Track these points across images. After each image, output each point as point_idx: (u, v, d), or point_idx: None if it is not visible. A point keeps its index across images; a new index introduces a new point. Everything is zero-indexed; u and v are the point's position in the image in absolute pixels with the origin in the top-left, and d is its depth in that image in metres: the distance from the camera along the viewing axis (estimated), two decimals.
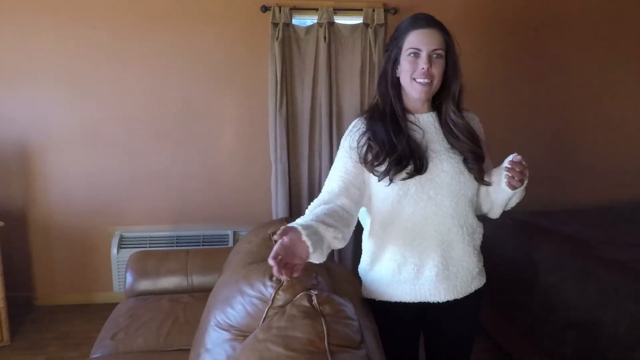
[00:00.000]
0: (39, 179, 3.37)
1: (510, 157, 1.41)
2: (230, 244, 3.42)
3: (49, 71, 3.25)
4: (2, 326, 2.93)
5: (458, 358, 1.76)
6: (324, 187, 1.55)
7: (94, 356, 2.10)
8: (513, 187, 1.44)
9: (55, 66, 3.24)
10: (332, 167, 1.59)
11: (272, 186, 3.40)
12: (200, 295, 2.45)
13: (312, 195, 3.33)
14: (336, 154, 1.61)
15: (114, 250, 3.35)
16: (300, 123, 3.37)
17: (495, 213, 1.65)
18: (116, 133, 3.36)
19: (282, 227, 1.19)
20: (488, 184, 1.54)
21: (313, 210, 1.40)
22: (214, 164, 3.47)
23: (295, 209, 3.43)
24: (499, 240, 2.80)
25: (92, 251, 3.49)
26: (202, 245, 3.41)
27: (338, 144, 1.65)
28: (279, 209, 3.38)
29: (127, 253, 3.32)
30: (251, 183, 3.52)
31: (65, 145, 3.34)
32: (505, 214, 1.67)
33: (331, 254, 1.39)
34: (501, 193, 1.51)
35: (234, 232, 3.48)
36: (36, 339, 3.05)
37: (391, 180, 1.47)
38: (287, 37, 3.24)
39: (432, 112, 1.58)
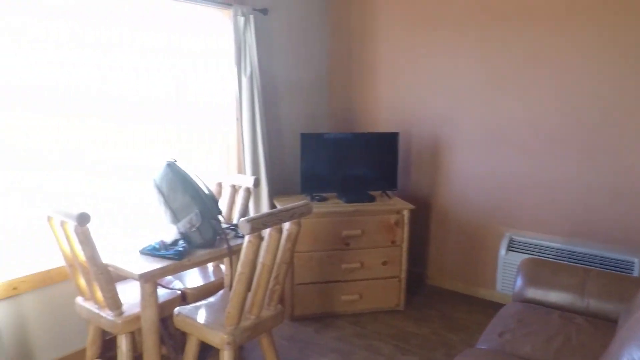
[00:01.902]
0: (444, 172, 3.72)
1: None
2: (636, 273, 2.96)
3: (465, 76, 3.52)
4: (401, 293, 3.41)
5: None
6: None
7: (480, 346, 2.19)
8: None
9: (475, 71, 3.49)
10: None
11: None
12: (598, 323, 2.22)
13: None
14: None
15: (502, 251, 3.40)
16: None
17: None
18: (521, 136, 3.36)
19: None
20: None
21: None
22: (626, 178, 3.05)
23: None
24: None
25: (480, 247, 3.64)
26: (599, 267, 3.08)
27: None
28: None
29: (514, 256, 3.32)
30: None
31: (470, 144, 3.57)
32: None
33: None
34: None
35: None
36: (424, 313, 3.42)
37: None
38: None
39: None
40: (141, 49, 2.92)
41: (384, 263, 3.34)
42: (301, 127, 3.96)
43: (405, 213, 3.31)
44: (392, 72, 3.89)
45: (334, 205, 3.32)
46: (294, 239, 2.24)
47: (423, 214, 3.88)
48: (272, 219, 2.06)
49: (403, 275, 3.38)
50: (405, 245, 3.35)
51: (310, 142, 3.40)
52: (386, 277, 3.37)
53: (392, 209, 3.30)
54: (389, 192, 3.63)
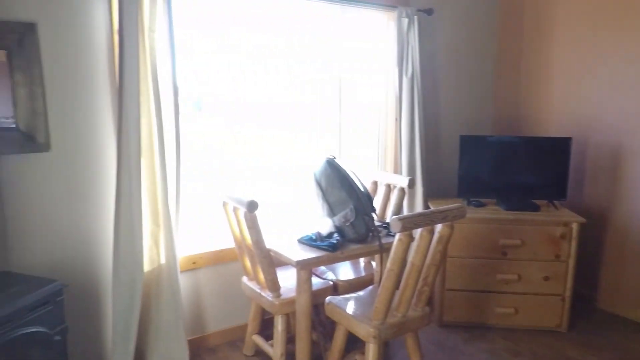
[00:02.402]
0: (627, 186, 3.30)
1: None
2: None
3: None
4: (564, 314, 3.12)
5: None
6: None
7: None
8: None
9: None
10: None
11: None
12: None
13: None
14: None
15: None
16: None
17: None
18: None
19: None
20: None
21: None
22: None
23: None
24: None
25: None
26: None
27: None
28: None
29: None
30: None
31: None
32: None
33: None
34: None
35: None
36: (590, 339, 3.08)
37: None
38: None
39: None
40: (308, 56, 3.13)
41: (546, 278, 3.09)
42: (461, 130, 3.85)
43: (574, 226, 3.02)
44: (568, 74, 3.57)
45: (493, 211, 3.17)
46: (445, 242, 2.21)
47: (596, 229, 3.49)
48: (424, 220, 2.06)
49: (568, 294, 3.09)
50: (572, 262, 3.06)
51: (470, 144, 3.29)
52: (547, 293, 3.11)
53: (559, 220, 3.03)
54: (556, 202, 3.34)
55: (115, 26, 2.34)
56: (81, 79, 2.30)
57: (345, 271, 2.91)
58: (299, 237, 2.55)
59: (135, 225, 2.36)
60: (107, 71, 2.37)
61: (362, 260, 3.06)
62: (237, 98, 2.93)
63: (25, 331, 1.92)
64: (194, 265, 2.78)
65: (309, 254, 2.39)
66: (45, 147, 2.24)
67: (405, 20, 3.25)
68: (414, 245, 2.12)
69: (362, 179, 2.74)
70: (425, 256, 2.15)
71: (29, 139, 2.19)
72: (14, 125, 2.16)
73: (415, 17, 3.27)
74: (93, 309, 2.49)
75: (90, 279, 2.45)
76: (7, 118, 2.14)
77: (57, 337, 2.07)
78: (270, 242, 2.49)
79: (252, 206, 2.29)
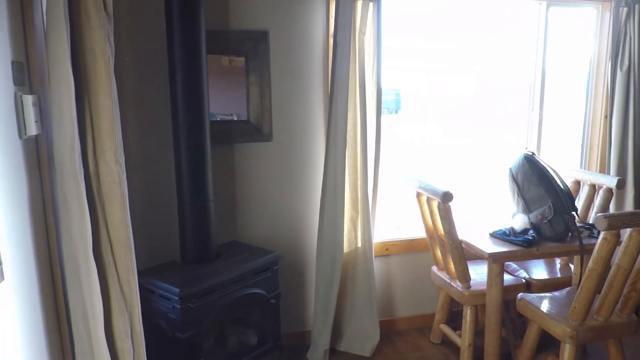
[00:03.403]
0: None
1: None
2: None
3: None
4: None
5: None
6: None
7: None
8: None
9: None
10: None
11: None
12: None
13: None
14: None
15: None
16: None
17: None
18: None
19: None
20: None
21: None
22: None
23: None
24: None
25: None
26: None
27: None
28: None
29: None
30: None
31: None
32: None
33: None
34: None
35: None
36: None
37: None
38: None
39: None
40: (508, 53, 3.10)
41: None
42: None
43: None
44: None
45: None
46: None
47: None
48: (635, 220, 1.92)
49: None
50: None
51: None
52: None
53: None
54: None
55: (330, 30, 2.65)
56: (298, 78, 2.66)
57: (539, 271, 2.81)
58: (491, 231, 2.56)
59: (338, 210, 2.63)
60: (321, 71, 2.69)
61: (558, 262, 2.91)
62: (433, 95, 3.05)
63: (250, 291, 2.31)
64: (387, 251, 2.97)
65: (502, 247, 2.39)
66: (269, 137, 2.65)
67: (624, 10, 2.99)
68: (621, 246, 1.98)
69: (563, 177, 2.63)
70: (634, 259, 1.99)
71: (256, 130, 2.62)
72: (246, 119, 2.60)
73: (637, 6, 2.98)
74: (298, 280, 2.84)
75: (298, 254, 2.81)
76: (241, 113, 2.60)
77: (273, 301, 2.44)
78: (462, 233, 2.55)
79: (446, 197, 2.38)
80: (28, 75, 1.44)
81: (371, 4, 2.55)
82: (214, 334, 2.35)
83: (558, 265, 2.88)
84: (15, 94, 1.34)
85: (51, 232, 1.50)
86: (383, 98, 2.70)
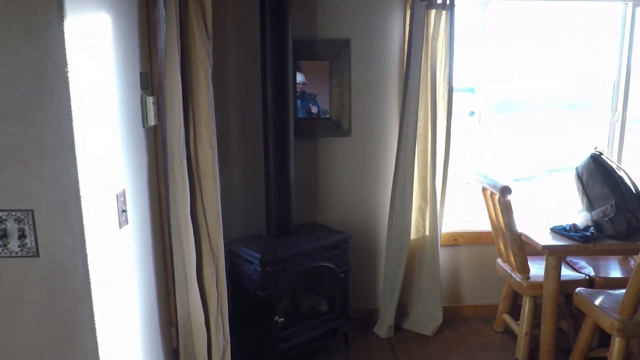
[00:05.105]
0: None
1: None
2: None
3: None
4: None
5: None
6: None
7: None
8: None
9: None
10: None
11: None
12: None
13: None
14: None
15: None
16: None
17: None
18: None
19: None
20: None
21: None
22: None
23: None
24: None
25: None
26: None
27: None
28: None
29: None
30: None
31: None
32: None
33: None
34: None
35: None
36: None
37: None
38: None
39: None
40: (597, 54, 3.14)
41: None
42: None
43: None
44: None
45: None
46: None
47: None
48: None
49: None
50: None
51: None
52: None
53: None
54: None
55: (406, 37, 2.93)
56: (375, 80, 2.98)
57: (607, 270, 2.84)
58: (553, 226, 2.67)
59: (407, 200, 2.91)
60: (397, 74, 2.98)
61: (632, 263, 2.90)
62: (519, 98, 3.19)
63: (321, 264, 2.68)
64: (455, 242, 3.18)
65: (559, 241, 2.51)
66: (348, 133, 3.00)
67: None
68: None
69: (635, 177, 2.64)
70: None
71: (337, 126, 2.99)
72: (328, 116, 2.99)
73: None
74: (368, 260, 3.16)
75: (370, 238, 3.13)
76: (325, 111, 2.99)
77: (342, 275, 2.79)
78: (523, 226, 2.69)
79: (505, 191, 2.55)
80: (150, 82, 1.96)
81: (444, 12, 2.79)
82: (289, 297, 2.77)
83: (632, 266, 2.87)
84: (141, 95, 1.85)
85: (162, 198, 2.02)
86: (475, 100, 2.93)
